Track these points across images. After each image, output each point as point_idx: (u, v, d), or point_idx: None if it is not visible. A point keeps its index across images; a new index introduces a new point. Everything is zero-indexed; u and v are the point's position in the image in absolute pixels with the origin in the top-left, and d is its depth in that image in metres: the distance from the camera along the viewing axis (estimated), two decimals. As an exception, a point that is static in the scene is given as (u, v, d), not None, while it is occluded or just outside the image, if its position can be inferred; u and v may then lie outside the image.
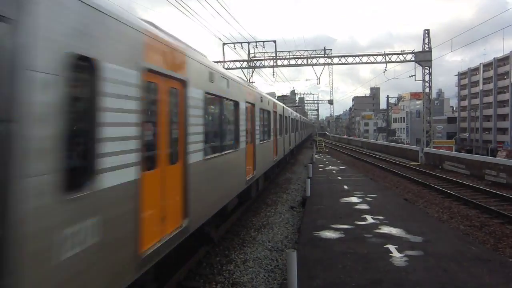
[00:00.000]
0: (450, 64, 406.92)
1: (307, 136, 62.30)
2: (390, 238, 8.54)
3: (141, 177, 4.30)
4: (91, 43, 3.46)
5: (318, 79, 47.55)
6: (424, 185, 19.59)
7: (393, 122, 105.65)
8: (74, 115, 3.34)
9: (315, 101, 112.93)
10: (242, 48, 35.35)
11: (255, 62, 37.42)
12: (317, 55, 36.90)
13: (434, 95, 79.32)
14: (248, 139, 11.06)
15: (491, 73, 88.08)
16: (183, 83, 5.76)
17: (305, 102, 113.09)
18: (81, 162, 3.52)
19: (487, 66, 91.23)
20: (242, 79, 11.70)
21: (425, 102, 35.60)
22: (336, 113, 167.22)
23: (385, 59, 34.62)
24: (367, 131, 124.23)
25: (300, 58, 36.99)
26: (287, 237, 10.05)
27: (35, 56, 2.78)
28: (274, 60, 36.89)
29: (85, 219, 3.34)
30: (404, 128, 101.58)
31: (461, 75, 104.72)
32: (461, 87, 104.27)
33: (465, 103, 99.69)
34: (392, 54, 34.60)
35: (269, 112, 15.49)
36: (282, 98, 47.94)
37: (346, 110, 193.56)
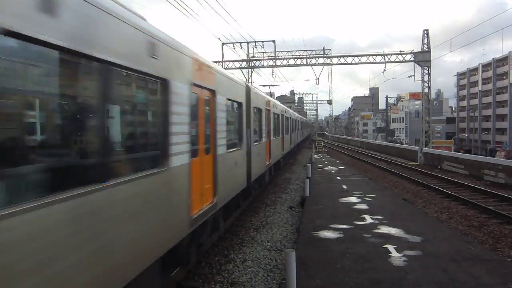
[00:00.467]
0: (449, 65, 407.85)
1: (305, 137, 59.49)
2: (389, 238, 8.54)
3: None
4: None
5: (317, 79, 47.79)
6: (423, 185, 19.61)
7: (392, 122, 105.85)
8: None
9: (314, 101, 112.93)
10: (241, 48, 35.32)
11: (254, 62, 37.42)
12: (316, 55, 36.92)
13: (433, 95, 79.43)
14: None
15: (490, 73, 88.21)
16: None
17: (304, 102, 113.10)
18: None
19: (486, 66, 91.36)
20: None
21: (424, 102, 35.64)
22: (335, 113, 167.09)
23: (384, 59, 34.64)
24: (366, 131, 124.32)
25: (299, 58, 37.00)
26: (286, 237, 10.05)
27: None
28: (273, 60, 36.89)
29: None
30: (403, 128, 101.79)
31: (460, 76, 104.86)
32: (460, 87, 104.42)
33: (464, 103, 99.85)
34: (391, 54, 34.62)
35: (260, 110, 13.84)
36: (281, 98, 47.97)
37: (345, 110, 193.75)
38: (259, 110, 13.38)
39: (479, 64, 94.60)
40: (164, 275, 5.59)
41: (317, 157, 35.44)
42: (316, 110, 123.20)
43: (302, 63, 36.76)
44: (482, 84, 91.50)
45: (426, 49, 33.92)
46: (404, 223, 9.83)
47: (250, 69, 38.23)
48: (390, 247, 7.83)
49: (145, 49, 4.51)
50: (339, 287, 5.99)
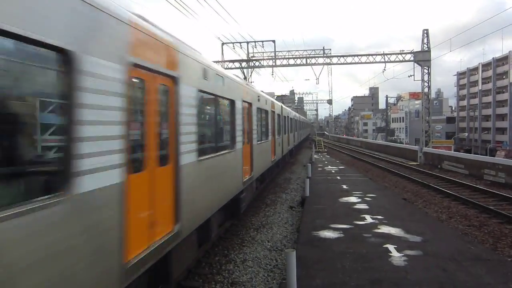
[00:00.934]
0: (449, 64, 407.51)
1: (304, 138, 54.93)
2: (389, 238, 8.54)
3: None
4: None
5: (317, 79, 47.73)
6: (423, 184, 19.61)
7: (392, 122, 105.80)
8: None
9: (314, 101, 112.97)
10: (241, 47, 35.30)
11: (254, 62, 37.41)
12: (316, 55, 36.92)
13: (433, 95, 79.41)
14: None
15: (490, 73, 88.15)
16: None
17: (304, 102, 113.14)
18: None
19: (486, 66, 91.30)
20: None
21: (424, 102, 35.63)
22: (335, 113, 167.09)
23: (384, 59, 34.62)
24: (366, 131, 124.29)
25: (299, 58, 36.99)
26: (286, 237, 10.05)
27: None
28: (273, 60, 36.88)
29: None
30: (403, 128, 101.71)
31: (460, 75, 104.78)
32: (460, 87, 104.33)
33: (464, 103, 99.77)
34: (391, 54, 34.60)
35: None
36: (281, 97, 47.96)
37: (345, 110, 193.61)
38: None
39: (479, 63, 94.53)
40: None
41: (317, 157, 35.44)
42: (316, 110, 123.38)
43: (302, 63, 36.75)
44: (482, 83, 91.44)
45: (426, 49, 33.91)
46: (404, 223, 9.83)
47: (250, 69, 38.22)
48: (390, 247, 7.84)
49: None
50: (339, 287, 5.99)
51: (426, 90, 34.47)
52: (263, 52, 37.08)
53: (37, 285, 2.72)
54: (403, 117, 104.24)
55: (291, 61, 37.01)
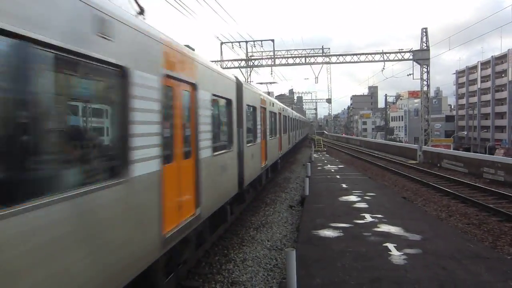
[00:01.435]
0: (448, 63, 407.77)
1: (302, 138, 51.55)
2: (388, 237, 8.55)
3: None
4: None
5: (316, 78, 47.57)
6: (422, 183, 19.63)
7: (391, 120, 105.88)
8: None
9: (314, 100, 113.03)
10: (240, 47, 35.31)
11: (253, 61, 37.41)
12: (315, 54, 36.93)
13: (432, 94, 79.30)
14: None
15: (488, 71, 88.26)
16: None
17: (304, 101, 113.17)
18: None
19: (484, 64, 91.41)
20: None
21: (423, 101, 35.67)
22: (334, 112, 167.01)
23: (383, 57, 34.68)
24: (365, 129, 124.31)
25: (298, 57, 37.01)
26: (286, 236, 10.05)
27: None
28: (272, 59, 36.88)
29: None
30: (402, 126, 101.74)
31: (459, 74, 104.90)
32: (459, 85, 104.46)
33: (463, 101, 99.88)
34: (390, 53, 34.65)
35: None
36: (280, 97, 47.94)
37: (344, 109, 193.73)
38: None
39: (478, 62, 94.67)
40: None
41: (316, 156, 35.45)
42: (315, 109, 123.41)
43: (301, 62, 36.78)
44: (481, 82, 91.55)
45: (425, 47, 33.96)
46: (403, 222, 9.84)
47: (249, 68, 38.23)
48: (390, 246, 7.84)
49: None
50: (339, 286, 5.99)
51: (425, 88, 34.52)
52: (262, 52, 37.12)
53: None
54: (402, 116, 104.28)
55: (290, 60, 37.05)
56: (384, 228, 9.33)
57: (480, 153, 47.41)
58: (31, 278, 2.72)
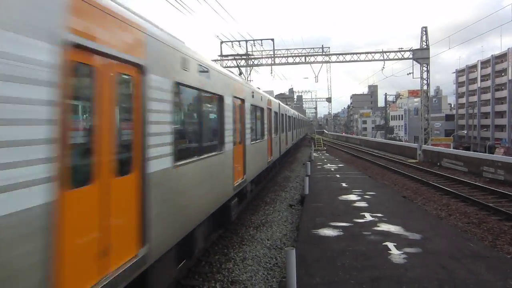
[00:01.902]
0: (447, 62, 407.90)
1: (301, 138, 48.34)
2: (388, 236, 8.55)
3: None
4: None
5: (316, 77, 47.51)
6: (422, 182, 19.63)
7: (391, 119, 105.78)
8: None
9: (313, 99, 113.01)
10: (240, 46, 35.24)
11: (253, 60, 37.37)
12: (315, 53, 36.90)
13: (432, 93, 79.24)
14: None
15: (488, 70, 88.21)
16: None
17: (303, 100, 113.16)
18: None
19: (484, 63, 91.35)
20: None
21: (423, 100, 35.65)
22: (334, 111, 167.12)
23: (383, 56, 34.67)
24: (365, 128, 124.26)
25: (298, 56, 36.98)
26: (286, 235, 10.05)
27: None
28: (272, 58, 36.85)
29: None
30: (402, 125, 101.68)
31: (459, 73, 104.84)
32: (459, 84, 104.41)
33: (463, 100, 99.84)
34: (390, 52, 34.62)
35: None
36: (280, 96, 47.88)
37: (344, 108, 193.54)
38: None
39: (477, 61, 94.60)
40: None
41: (316, 155, 35.44)
42: (315, 108, 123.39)
43: (300, 61, 36.76)
44: (481, 81, 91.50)
45: (425, 47, 33.93)
46: (403, 221, 9.84)
47: (249, 67, 38.19)
48: (390, 245, 7.84)
49: None
50: (339, 285, 5.99)
51: (425, 87, 34.51)
52: (262, 51, 37.06)
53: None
54: (402, 115, 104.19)
55: (290, 59, 37.02)
56: (384, 227, 9.33)
57: (480, 152, 47.36)
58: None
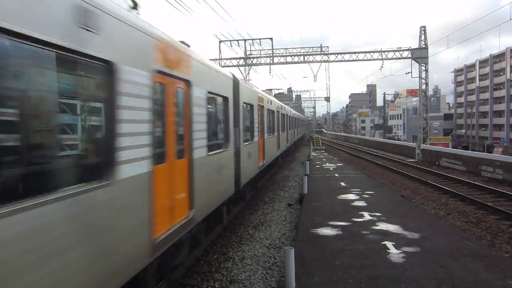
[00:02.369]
0: (446, 61, 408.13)
1: (299, 139, 46.93)
2: (387, 235, 8.56)
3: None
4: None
5: (314, 76, 47.46)
6: (421, 181, 19.65)
7: (390, 119, 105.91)
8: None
9: (312, 98, 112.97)
10: (238, 45, 35.26)
11: (251, 59, 37.35)
12: (313, 53, 36.88)
13: (430, 92, 79.28)
14: None
15: (487, 69, 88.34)
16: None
17: (302, 99, 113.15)
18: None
19: (483, 62, 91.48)
20: None
21: (422, 99, 35.65)
22: (333, 110, 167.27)
23: (382, 56, 34.64)
24: (364, 128, 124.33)
25: (297, 55, 36.95)
26: (284, 235, 10.06)
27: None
28: (271, 58, 36.82)
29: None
30: (400, 125, 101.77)
31: (458, 72, 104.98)
32: (458, 83, 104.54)
33: (461, 99, 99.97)
34: (388, 51, 34.61)
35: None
36: (279, 95, 47.83)
37: (343, 107, 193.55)
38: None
39: (476, 60, 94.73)
40: None
41: (315, 154, 35.47)
42: (314, 107, 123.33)
43: (299, 60, 36.73)
44: (480, 80, 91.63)
45: (423, 46, 33.92)
46: (402, 220, 9.85)
47: (247, 67, 38.17)
48: (389, 244, 7.85)
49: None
50: (338, 284, 6.00)
51: (423, 87, 34.50)
52: (260, 50, 37.05)
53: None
54: (400, 114, 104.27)
55: (289, 59, 36.98)
56: (383, 226, 9.34)
57: (479, 151, 47.42)
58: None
